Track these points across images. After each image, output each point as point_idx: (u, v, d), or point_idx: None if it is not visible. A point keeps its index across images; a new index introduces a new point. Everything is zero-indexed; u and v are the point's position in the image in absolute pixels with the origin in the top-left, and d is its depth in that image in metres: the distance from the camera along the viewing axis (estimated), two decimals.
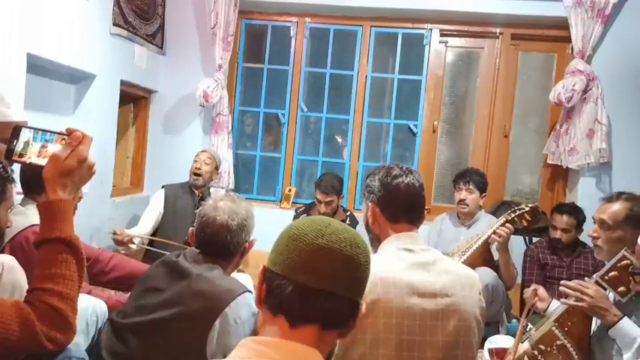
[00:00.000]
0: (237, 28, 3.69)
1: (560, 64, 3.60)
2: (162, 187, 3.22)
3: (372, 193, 1.37)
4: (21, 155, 1.08)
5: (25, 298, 1.04)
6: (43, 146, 1.09)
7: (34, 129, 1.09)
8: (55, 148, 1.09)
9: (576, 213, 2.82)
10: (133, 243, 2.84)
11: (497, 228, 2.48)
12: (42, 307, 1.02)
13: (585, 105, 3.25)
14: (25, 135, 1.07)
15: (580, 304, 1.65)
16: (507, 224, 2.48)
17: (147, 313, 1.42)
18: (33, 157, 1.09)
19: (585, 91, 3.21)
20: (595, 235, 1.80)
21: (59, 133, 1.10)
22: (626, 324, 1.59)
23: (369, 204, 1.37)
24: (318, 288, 0.78)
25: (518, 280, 2.89)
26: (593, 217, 1.86)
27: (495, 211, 3.22)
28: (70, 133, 1.09)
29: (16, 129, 1.07)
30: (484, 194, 2.83)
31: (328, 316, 0.80)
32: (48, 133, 1.10)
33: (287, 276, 0.79)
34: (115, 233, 2.75)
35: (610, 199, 1.82)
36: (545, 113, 3.70)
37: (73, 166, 1.06)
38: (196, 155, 3.23)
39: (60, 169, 1.06)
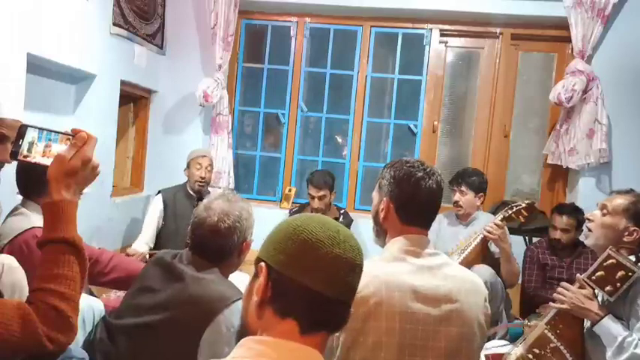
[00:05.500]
0: (237, 28, 3.69)
1: (560, 64, 3.60)
2: (159, 192, 3.21)
3: (389, 189, 1.31)
4: (26, 156, 1.07)
5: (27, 299, 1.04)
6: (47, 146, 1.08)
7: (39, 129, 1.08)
8: (59, 147, 1.08)
9: (576, 213, 2.82)
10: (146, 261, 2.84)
11: (489, 225, 2.51)
12: (43, 307, 1.01)
13: (585, 105, 3.24)
14: (30, 135, 1.07)
15: (563, 306, 1.72)
16: (497, 221, 2.51)
17: (138, 315, 1.40)
18: (37, 157, 1.08)
19: (585, 91, 3.21)
20: (591, 217, 1.85)
21: (64, 133, 1.10)
22: (608, 323, 1.64)
23: (384, 199, 1.32)
24: (337, 299, 0.79)
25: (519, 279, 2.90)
26: (597, 204, 1.90)
27: (495, 211, 3.21)
28: (75, 133, 1.08)
29: (21, 128, 1.06)
30: (481, 194, 2.81)
31: (338, 324, 0.81)
32: (52, 133, 1.09)
33: (303, 283, 0.77)
34: (127, 254, 2.77)
35: (621, 191, 1.88)
36: (545, 113, 3.70)
37: (78, 166, 1.06)
38: (194, 160, 3.18)
39: (64, 169, 1.05)
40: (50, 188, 1.06)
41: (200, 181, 3.15)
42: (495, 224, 2.50)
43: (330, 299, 0.78)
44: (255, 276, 0.83)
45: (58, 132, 1.10)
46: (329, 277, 0.78)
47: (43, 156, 1.08)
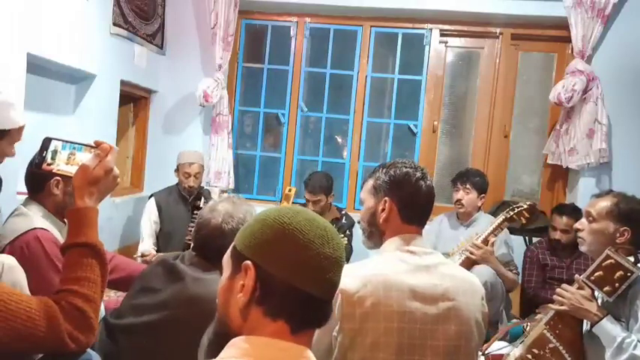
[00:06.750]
0: (237, 28, 3.68)
1: (560, 64, 3.60)
2: (151, 195, 3.20)
3: (390, 189, 1.32)
4: (50, 164, 1.15)
5: (52, 298, 1.07)
6: (71, 154, 1.16)
7: (63, 141, 1.16)
8: (82, 157, 1.16)
9: (576, 214, 2.81)
10: None
11: (470, 246, 2.52)
12: (67, 307, 1.06)
13: (585, 105, 3.25)
14: (54, 145, 1.14)
15: (562, 307, 1.72)
16: (478, 242, 2.52)
17: (139, 315, 1.41)
18: (62, 165, 1.16)
19: (585, 91, 3.21)
20: (580, 227, 1.85)
21: (87, 145, 1.17)
22: (607, 323, 1.64)
23: (385, 199, 1.32)
24: (324, 298, 0.79)
25: (518, 279, 2.90)
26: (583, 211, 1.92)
27: (495, 211, 3.22)
28: (97, 145, 1.16)
29: (46, 140, 1.14)
30: (483, 195, 2.82)
31: (324, 320, 0.81)
32: (76, 144, 1.17)
33: (294, 285, 0.76)
34: (143, 255, 2.81)
35: (600, 194, 1.89)
36: (545, 113, 3.70)
37: (101, 175, 1.13)
38: (182, 166, 3.13)
39: (88, 178, 1.12)
40: (75, 195, 1.13)
41: (189, 189, 3.13)
42: (474, 244, 2.51)
43: (318, 299, 0.78)
44: (234, 272, 0.81)
45: (82, 144, 1.18)
46: (320, 278, 0.78)
47: (67, 164, 1.16)
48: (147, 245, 3.06)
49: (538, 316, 1.99)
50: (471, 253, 2.50)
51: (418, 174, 1.32)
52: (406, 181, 1.31)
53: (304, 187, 3.20)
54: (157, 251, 3.04)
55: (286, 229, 0.78)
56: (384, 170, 1.35)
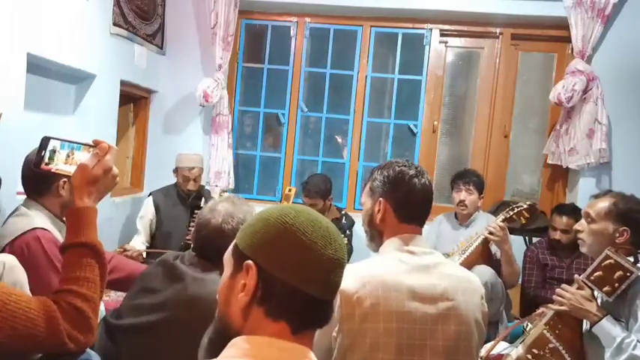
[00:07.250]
0: (237, 28, 3.69)
1: (560, 64, 3.60)
2: (150, 194, 3.20)
3: (384, 190, 1.32)
4: (47, 163, 1.13)
5: (51, 298, 1.07)
6: (69, 153, 1.15)
7: (62, 140, 1.14)
8: (81, 156, 1.15)
9: (576, 214, 2.80)
10: (143, 258, 2.86)
11: (491, 226, 2.49)
12: (66, 306, 1.06)
13: (585, 105, 3.25)
14: (52, 144, 1.13)
15: (562, 308, 1.72)
16: (500, 222, 2.49)
17: (139, 315, 1.40)
18: (60, 164, 1.15)
19: (585, 91, 3.21)
20: (580, 228, 1.85)
21: (85, 144, 1.16)
22: (607, 323, 1.64)
23: (380, 200, 1.32)
24: (326, 299, 0.79)
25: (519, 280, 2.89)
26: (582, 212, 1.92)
27: (495, 211, 3.21)
28: (96, 144, 1.15)
29: (44, 139, 1.12)
30: (482, 195, 2.83)
31: (325, 321, 0.81)
32: (74, 144, 1.16)
33: (295, 286, 0.76)
34: (125, 250, 2.79)
35: (598, 195, 1.89)
36: (545, 113, 3.70)
37: (100, 175, 1.13)
38: (181, 169, 3.12)
39: (87, 177, 1.12)
40: (74, 195, 1.13)
41: (188, 192, 3.13)
42: (498, 225, 2.47)
43: (319, 299, 0.78)
44: (235, 271, 0.80)
45: (80, 143, 1.17)
46: (321, 279, 0.77)
47: (65, 163, 1.15)
48: (138, 241, 3.05)
49: (540, 310, 1.99)
50: (490, 232, 2.46)
51: (412, 172, 1.31)
52: (400, 180, 1.31)
53: (301, 189, 3.19)
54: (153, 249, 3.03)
55: (288, 230, 0.78)
56: (379, 171, 1.35)
